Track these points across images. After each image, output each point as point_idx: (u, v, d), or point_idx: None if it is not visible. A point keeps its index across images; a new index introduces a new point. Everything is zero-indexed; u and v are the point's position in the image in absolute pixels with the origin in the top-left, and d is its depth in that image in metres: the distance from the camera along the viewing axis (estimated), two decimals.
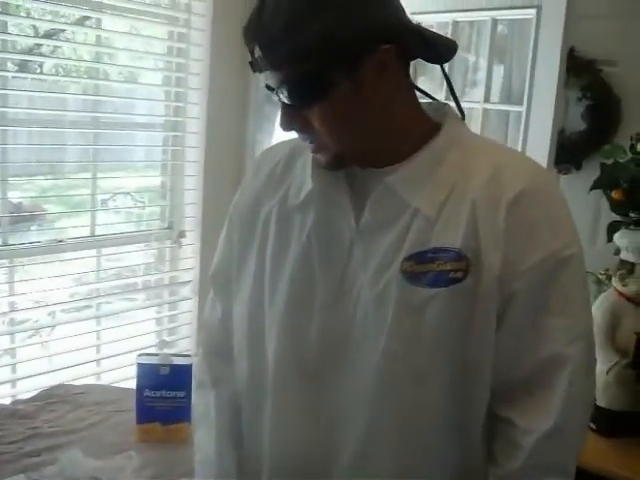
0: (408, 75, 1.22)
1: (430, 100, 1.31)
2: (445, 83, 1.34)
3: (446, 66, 1.30)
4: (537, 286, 1.13)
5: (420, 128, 1.22)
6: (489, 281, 1.12)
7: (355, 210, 1.22)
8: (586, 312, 1.20)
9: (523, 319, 1.14)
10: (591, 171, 3.00)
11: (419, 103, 1.26)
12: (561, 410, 1.13)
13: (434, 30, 1.26)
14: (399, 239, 1.17)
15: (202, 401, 1.47)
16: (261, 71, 1.13)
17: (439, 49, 1.21)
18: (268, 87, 1.17)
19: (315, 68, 1.09)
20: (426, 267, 1.15)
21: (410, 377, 1.18)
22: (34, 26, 3.62)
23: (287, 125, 1.18)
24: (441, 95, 2.87)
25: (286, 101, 1.14)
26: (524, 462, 1.14)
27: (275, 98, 1.17)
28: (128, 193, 4.70)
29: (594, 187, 2.58)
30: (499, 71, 3.37)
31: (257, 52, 1.12)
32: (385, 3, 1.14)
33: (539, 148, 2.76)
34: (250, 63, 1.15)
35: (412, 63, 1.24)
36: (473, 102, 3.16)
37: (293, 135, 1.26)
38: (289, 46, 1.08)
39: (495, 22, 3.07)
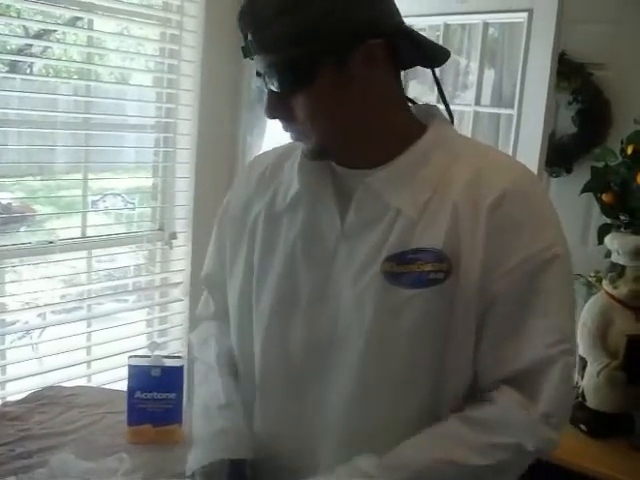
0: (399, 78, 1.24)
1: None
2: (436, 87, 1.35)
3: (437, 70, 1.31)
4: (520, 287, 1.14)
5: (407, 130, 1.23)
6: (469, 283, 1.14)
7: (340, 211, 1.23)
8: (570, 313, 1.21)
9: (507, 320, 1.15)
10: (582, 174, 3.01)
11: (408, 106, 1.27)
12: (550, 405, 1.14)
13: (426, 34, 1.27)
14: (381, 239, 1.18)
15: (203, 357, 1.49)
16: (251, 56, 1.15)
17: (430, 54, 1.23)
18: (258, 73, 1.18)
19: (303, 54, 1.11)
20: (407, 268, 1.16)
21: (389, 377, 1.19)
22: (24, 26, 3.61)
23: (271, 112, 1.19)
24: (432, 98, 2.90)
25: (272, 87, 1.15)
26: (493, 414, 1.15)
27: (262, 84, 1.18)
28: (119, 194, 4.70)
29: (585, 190, 2.60)
30: (490, 74, 3.38)
31: (249, 36, 1.13)
32: (377, 1, 1.15)
33: (530, 151, 2.77)
34: (242, 48, 1.16)
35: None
36: (464, 105, 3.17)
37: (285, 139, 1.27)
38: (279, 30, 1.10)
39: (486, 25, 3.08)
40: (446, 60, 1.24)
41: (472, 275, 1.13)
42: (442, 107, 1.33)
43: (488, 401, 1.16)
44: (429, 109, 1.29)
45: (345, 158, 1.24)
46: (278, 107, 1.18)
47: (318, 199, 1.26)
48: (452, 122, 1.31)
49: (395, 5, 1.19)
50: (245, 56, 1.17)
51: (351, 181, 1.23)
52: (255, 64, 1.17)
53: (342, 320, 1.21)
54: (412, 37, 1.19)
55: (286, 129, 1.23)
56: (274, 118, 1.20)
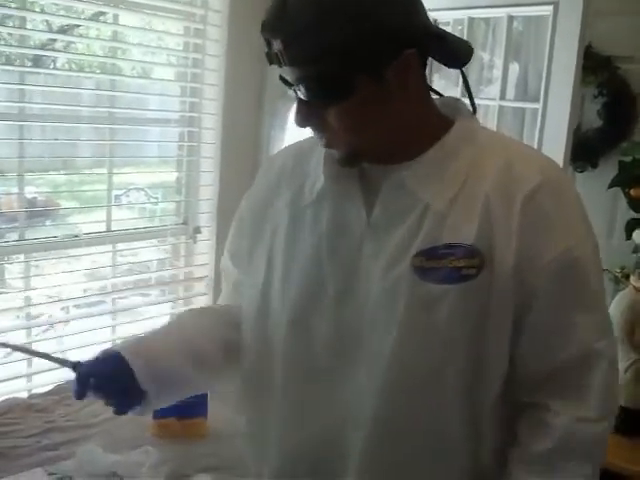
0: (425, 75, 1.22)
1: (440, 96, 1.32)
2: (461, 80, 1.34)
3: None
4: (558, 281, 1.13)
5: (433, 125, 1.22)
6: (503, 277, 1.12)
7: (366, 205, 1.22)
8: (606, 305, 1.22)
9: (549, 315, 1.14)
10: (607, 169, 2.99)
11: (432, 100, 1.26)
12: (601, 402, 1.15)
13: (450, 27, 1.25)
14: (410, 234, 1.17)
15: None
16: (280, 65, 1.12)
17: (457, 53, 1.22)
18: (285, 81, 1.16)
19: (337, 68, 1.09)
20: (438, 263, 1.15)
21: (420, 373, 1.18)
22: (47, 21, 3.63)
23: (302, 121, 1.18)
24: (456, 92, 2.88)
25: (304, 98, 1.14)
26: (553, 444, 1.14)
27: (291, 93, 1.16)
28: (142, 189, 4.71)
29: (613, 185, 2.57)
30: (515, 68, 3.35)
31: (278, 45, 1.10)
32: (410, 7, 1.13)
33: (555, 145, 2.75)
34: (267, 55, 1.13)
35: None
36: (489, 99, 3.15)
37: (306, 133, 1.26)
38: (313, 43, 1.07)
39: (511, 19, 3.05)
40: (470, 58, 1.23)
41: (506, 268, 1.12)
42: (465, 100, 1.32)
43: (541, 425, 1.16)
44: (454, 103, 1.27)
45: (374, 158, 1.23)
46: (310, 117, 1.16)
47: (344, 193, 1.25)
48: (474, 113, 1.30)
49: (424, 7, 1.17)
50: (271, 63, 1.14)
51: (378, 175, 1.22)
52: (281, 71, 1.14)
53: (370, 315, 1.20)
54: (441, 39, 1.18)
55: (317, 137, 1.21)
56: (305, 127, 1.19)
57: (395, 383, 1.19)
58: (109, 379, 1.24)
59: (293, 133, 3.20)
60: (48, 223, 3.67)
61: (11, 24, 2.73)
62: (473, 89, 1.35)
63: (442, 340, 1.15)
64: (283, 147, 1.55)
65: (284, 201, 1.33)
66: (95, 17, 3.24)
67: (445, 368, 1.16)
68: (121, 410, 1.27)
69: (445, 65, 1.25)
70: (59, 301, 2.98)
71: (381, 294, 1.19)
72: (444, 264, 1.14)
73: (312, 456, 1.28)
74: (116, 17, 2.93)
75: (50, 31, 3.60)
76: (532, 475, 1.15)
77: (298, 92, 1.14)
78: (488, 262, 1.12)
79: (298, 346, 1.29)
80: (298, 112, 1.17)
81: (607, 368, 1.14)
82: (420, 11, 1.15)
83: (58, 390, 2.31)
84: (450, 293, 1.14)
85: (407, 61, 1.11)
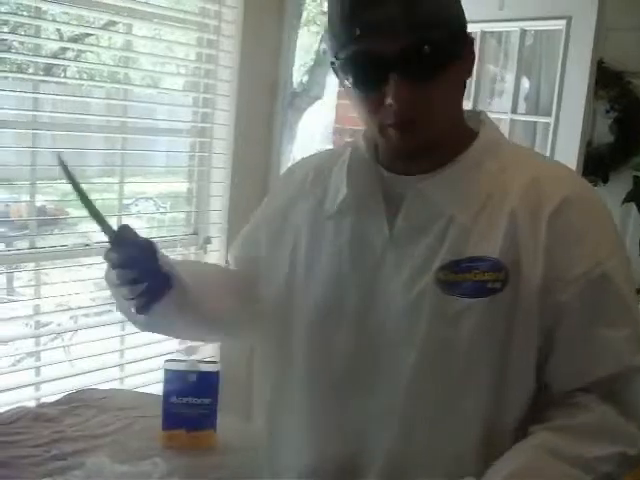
0: None
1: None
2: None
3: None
4: (589, 296, 1.11)
5: (461, 134, 1.21)
6: (529, 293, 1.11)
7: (389, 216, 1.21)
8: (639, 318, 1.17)
9: (581, 331, 1.11)
10: (618, 183, 2.98)
11: None
12: None
13: None
14: (434, 247, 1.16)
15: None
16: (392, 32, 1.04)
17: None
18: (377, 58, 1.07)
19: (449, 34, 1.08)
20: (462, 276, 1.13)
21: (443, 389, 1.16)
22: (59, 30, 3.63)
23: (401, 97, 1.08)
24: None
25: (409, 67, 1.07)
26: (585, 421, 1.11)
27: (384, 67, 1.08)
28: (151, 199, 4.70)
29: (627, 200, 2.57)
30: (527, 82, 3.35)
31: (391, 10, 1.03)
32: None
33: (567, 159, 2.74)
34: (368, 26, 1.06)
35: None
36: (500, 113, 3.14)
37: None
38: (433, 8, 1.06)
39: (524, 33, 3.06)
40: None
41: (533, 285, 1.10)
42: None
43: (580, 407, 1.12)
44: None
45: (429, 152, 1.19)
46: (406, 91, 1.07)
47: (366, 204, 1.23)
48: None
49: None
50: (380, 32, 1.05)
51: (400, 187, 1.20)
52: (381, 43, 1.06)
53: (392, 329, 1.19)
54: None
55: (399, 117, 1.11)
56: (397, 101, 1.09)
57: (415, 398, 1.17)
58: (139, 250, 1.28)
59: (302, 144, 3.21)
60: (57, 232, 3.67)
61: (23, 32, 2.74)
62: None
63: (464, 355, 1.13)
64: (301, 158, 1.52)
65: (304, 212, 1.32)
66: (107, 27, 3.25)
67: (467, 384, 1.15)
68: (148, 297, 1.25)
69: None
70: (68, 310, 2.98)
71: (403, 309, 1.17)
72: (468, 277, 1.12)
73: (331, 468, 1.26)
74: (129, 27, 2.93)
75: (62, 40, 3.61)
76: (565, 438, 1.10)
77: (398, 66, 1.07)
78: (513, 277, 1.11)
79: (317, 359, 1.28)
80: (396, 88, 1.07)
81: None
82: None
83: (67, 400, 2.30)
84: (475, 307, 1.12)
85: (472, 48, 1.15)
